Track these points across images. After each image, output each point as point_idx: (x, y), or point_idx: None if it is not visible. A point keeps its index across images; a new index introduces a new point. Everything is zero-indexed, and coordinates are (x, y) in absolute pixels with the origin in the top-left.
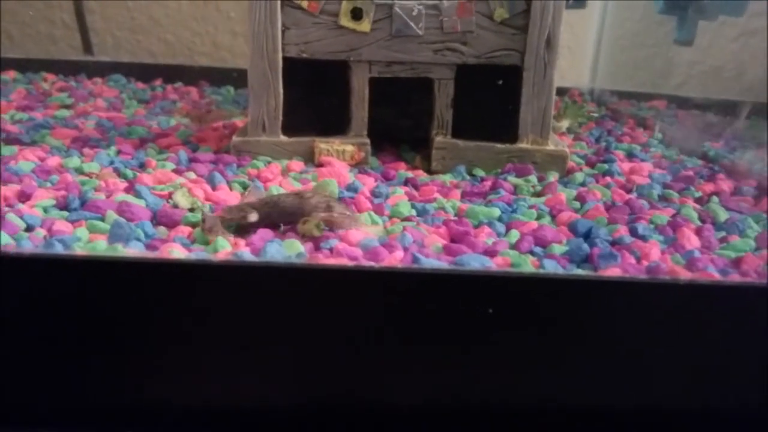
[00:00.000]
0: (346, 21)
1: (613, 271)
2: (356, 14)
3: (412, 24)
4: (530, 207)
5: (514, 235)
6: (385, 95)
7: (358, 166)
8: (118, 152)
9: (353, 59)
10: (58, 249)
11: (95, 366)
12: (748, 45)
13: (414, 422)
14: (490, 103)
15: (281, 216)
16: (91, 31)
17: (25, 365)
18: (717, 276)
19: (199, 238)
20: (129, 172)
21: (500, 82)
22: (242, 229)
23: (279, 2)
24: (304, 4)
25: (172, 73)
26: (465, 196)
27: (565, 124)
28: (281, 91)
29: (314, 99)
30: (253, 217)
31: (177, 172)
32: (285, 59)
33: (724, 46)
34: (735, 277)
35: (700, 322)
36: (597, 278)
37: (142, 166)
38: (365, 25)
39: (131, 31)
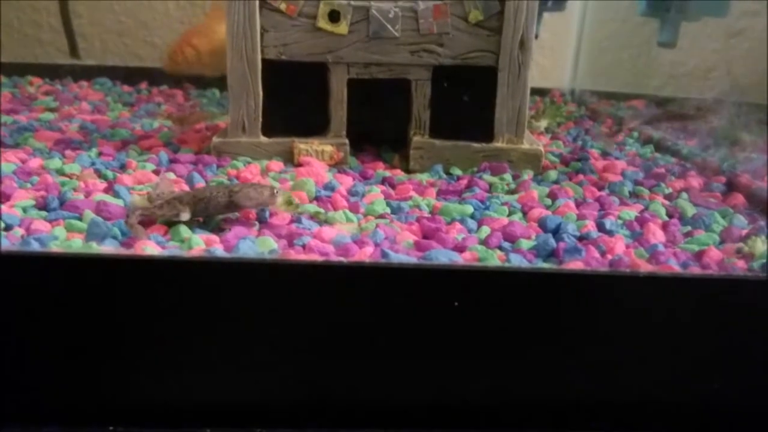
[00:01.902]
0: (323, 23)
1: (576, 265)
2: (333, 17)
3: (388, 26)
4: (503, 204)
5: (485, 231)
6: (367, 96)
7: (337, 166)
8: (100, 154)
9: (331, 61)
10: (35, 247)
11: (69, 363)
12: (730, 46)
13: (387, 416)
14: (466, 103)
15: (216, 210)
16: (79, 35)
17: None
18: (677, 269)
19: (175, 236)
20: (109, 173)
21: (468, 90)
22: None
23: (257, 5)
24: (282, 7)
25: (158, 76)
26: (441, 194)
27: (543, 123)
28: (261, 92)
29: (293, 100)
30: (185, 216)
31: (157, 172)
32: (264, 61)
33: (706, 47)
34: (696, 270)
35: (662, 314)
36: (558, 271)
37: (123, 167)
38: (342, 28)
39: (118, 35)
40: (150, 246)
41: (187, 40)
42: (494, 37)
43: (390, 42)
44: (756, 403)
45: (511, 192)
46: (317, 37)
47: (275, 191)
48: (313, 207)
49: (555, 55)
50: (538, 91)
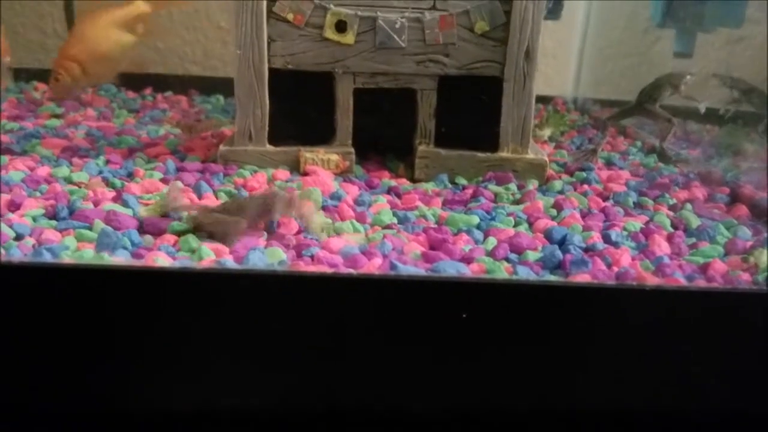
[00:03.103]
0: (330, 33)
1: (583, 277)
2: (340, 27)
3: (395, 36)
4: (508, 215)
5: (491, 242)
6: (372, 105)
7: (343, 174)
8: (107, 162)
9: (338, 70)
10: (47, 257)
11: (80, 372)
12: (733, 53)
13: (395, 426)
14: (471, 112)
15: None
16: None
17: (11, 370)
18: (683, 281)
19: (185, 246)
20: (117, 182)
21: (482, 96)
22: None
23: (265, 15)
24: (290, 17)
25: (162, 82)
26: (446, 204)
27: (546, 132)
28: (267, 101)
29: (300, 109)
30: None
31: (164, 181)
32: (271, 70)
33: (709, 55)
34: (701, 283)
35: (669, 327)
36: (565, 284)
37: (131, 176)
38: (349, 38)
39: None
40: (161, 257)
41: (66, 56)
42: (500, 48)
43: (396, 52)
44: (762, 417)
45: (517, 202)
46: (324, 46)
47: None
48: (321, 217)
49: (557, 62)
50: (540, 99)
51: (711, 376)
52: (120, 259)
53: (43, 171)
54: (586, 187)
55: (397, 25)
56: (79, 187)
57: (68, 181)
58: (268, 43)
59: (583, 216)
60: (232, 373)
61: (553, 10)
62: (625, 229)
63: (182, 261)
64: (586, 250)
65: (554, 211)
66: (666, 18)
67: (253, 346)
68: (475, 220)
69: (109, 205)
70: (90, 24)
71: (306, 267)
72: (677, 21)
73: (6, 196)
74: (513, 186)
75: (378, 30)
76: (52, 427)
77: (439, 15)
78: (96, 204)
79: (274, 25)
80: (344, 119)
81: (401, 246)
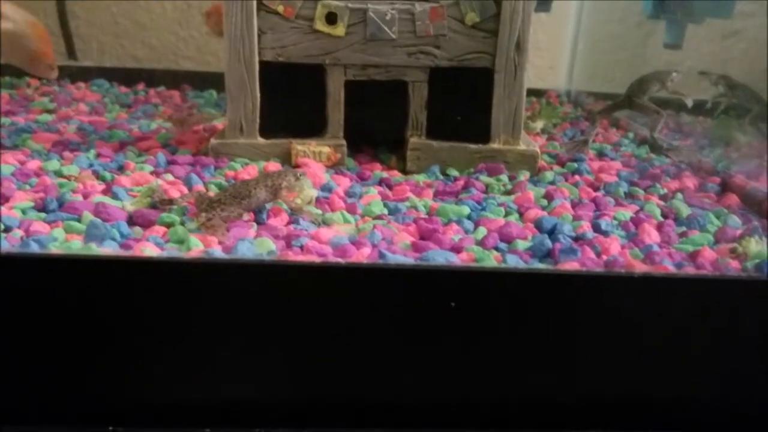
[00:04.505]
0: (321, 25)
1: (571, 265)
2: (331, 19)
3: (385, 28)
4: (499, 205)
5: (481, 231)
6: (363, 97)
7: (335, 167)
8: (98, 155)
9: (329, 62)
10: (34, 248)
11: (69, 364)
12: (727, 47)
13: (384, 416)
14: (463, 104)
15: (257, 207)
16: (76, 37)
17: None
18: (671, 269)
19: (174, 237)
20: (107, 175)
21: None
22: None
23: (255, 7)
24: (280, 9)
25: (155, 77)
26: (437, 195)
27: (539, 124)
28: (258, 94)
29: (291, 102)
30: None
31: (155, 174)
32: (262, 63)
33: (702, 48)
34: (690, 270)
35: (657, 314)
36: (553, 272)
37: (121, 169)
38: (340, 30)
39: (115, 36)
40: (149, 247)
41: None
42: (490, 39)
43: (387, 44)
44: (750, 403)
45: (508, 193)
46: (314, 39)
47: (298, 175)
48: (312, 208)
49: (551, 56)
50: (534, 92)
51: (700, 363)
52: (107, 249)
53: (34, 164)
54: (577, 177)
55: (388, 17)
56: (69, 180)
57: (58, 174)
58: (259, 36)
59: (574, 206)
60: (221, 363)
61: (543, 2)
62: (615, 218)
63: (170, 251)
64: (576, 239)
65: (545, 201)
66: (657, 9)
67: (242, 335)
68: (466, 210)
69: (98, 197)
70: None
71: (295, 257)
72: (667, 12)
73: None
74: (504, 177)
75: (368, 22)
76: (35, 415)
77: (429, 6)
78: (85, 196)
79: (265, 18)
80: (335, 111)
81: (391, 236)
